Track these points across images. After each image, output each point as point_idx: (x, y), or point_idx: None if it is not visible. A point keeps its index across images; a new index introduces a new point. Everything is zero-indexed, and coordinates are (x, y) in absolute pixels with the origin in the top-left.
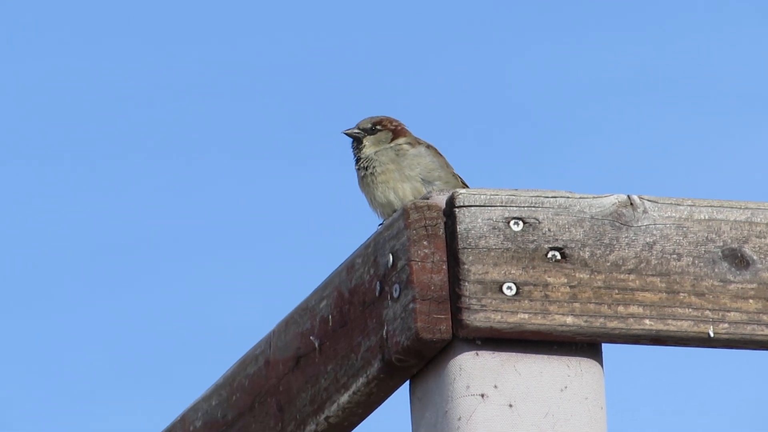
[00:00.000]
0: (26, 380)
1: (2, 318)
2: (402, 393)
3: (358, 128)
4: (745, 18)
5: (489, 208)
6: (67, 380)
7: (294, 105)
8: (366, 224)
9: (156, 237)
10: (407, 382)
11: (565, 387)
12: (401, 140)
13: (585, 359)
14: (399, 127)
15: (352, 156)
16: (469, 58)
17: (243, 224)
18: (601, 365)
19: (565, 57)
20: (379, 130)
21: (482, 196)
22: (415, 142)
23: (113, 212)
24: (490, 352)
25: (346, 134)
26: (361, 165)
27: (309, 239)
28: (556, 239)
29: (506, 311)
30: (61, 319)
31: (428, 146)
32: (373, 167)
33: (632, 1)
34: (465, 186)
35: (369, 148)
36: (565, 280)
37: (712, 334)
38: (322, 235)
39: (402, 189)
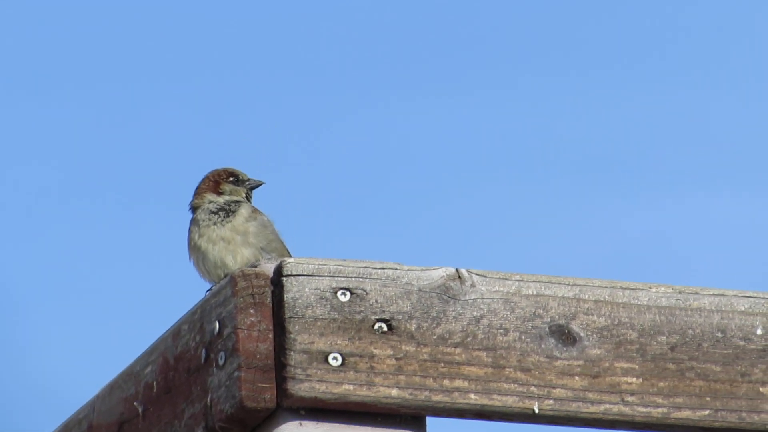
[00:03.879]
0: None
1: None
2: None
3: (213, 182)
4: (581, 89)
5: (317, 277)
6: None
7: (131, 163)
8: (195, 289)
9: None
10: None
11: None
12: (247, 202)
13: None
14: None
15: (194, 205)
16: (298, 118)
17: (80, 277)
18: None
19: (394, 123)
20: (229, 183)
21: (310, 266)
22: (257, 210)
23: None
24: (314, 423)
25: (256, 183)
26: (210, 215)
27: (141, 300)
28: (383, 311)
29: (331, 382)
30: None
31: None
32: (225, 219)
33: (461, 68)
34: (289, 254)
35: (249, 201)
36: (391, 352)
37: (537, 411)
38: (154, 298)
39: (242, 254)
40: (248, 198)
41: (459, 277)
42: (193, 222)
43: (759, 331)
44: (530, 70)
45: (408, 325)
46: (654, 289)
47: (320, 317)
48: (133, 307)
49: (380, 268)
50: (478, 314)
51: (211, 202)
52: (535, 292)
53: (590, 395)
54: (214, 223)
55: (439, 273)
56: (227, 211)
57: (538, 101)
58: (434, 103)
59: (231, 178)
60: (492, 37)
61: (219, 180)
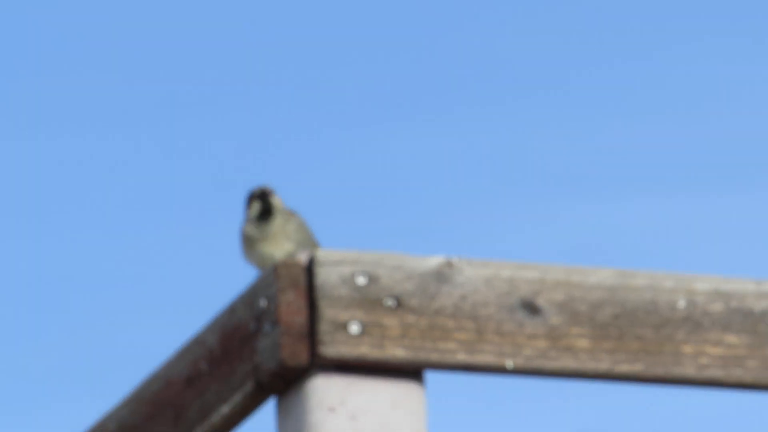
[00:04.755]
0: None
1: None
2: (270, 406)
3: (257, 195)
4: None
5: (341, 265)
6: None
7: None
8: (238, 278)
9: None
10: (275, 399)
11: (396, 404)
12: (286, 208)
13: (412, 383)
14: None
15: (251, 208)
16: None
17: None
18: (423, 387)
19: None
20: (271, 200)
21: (335, 256)
22: (291, 212)
23: None
24: (339, 376)
25: (266, 190)
26: (257, 220)
27: (201, 287)
28: (392, 290)
29: (352, 345)
30: None
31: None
32: (270, 225)
33: (453, 90)
34: (319, 246)
35: (276, 203)
36: (398, 322)
37: (511, 365)
38: (213, 286)
39: (284, 247)
40: (267, 204)
41: (450, 264)
42: (244, 228)
43: (682, 304)
44: (507, 94)
45: (411, 302)
46: (600, 272)
47: (343, 296)
48: (198, 288)
49: (390, 257)
50: (465, 292)
51: (273, 201)
52: (509, 275)
53: (551, 353)
54: (256, 228)
55: (435, 260)
56: (261, 221)
57: (518, 121)
58: (428, 127)
59: (253, 196)
60: (487, 59)
61: (249, 199)
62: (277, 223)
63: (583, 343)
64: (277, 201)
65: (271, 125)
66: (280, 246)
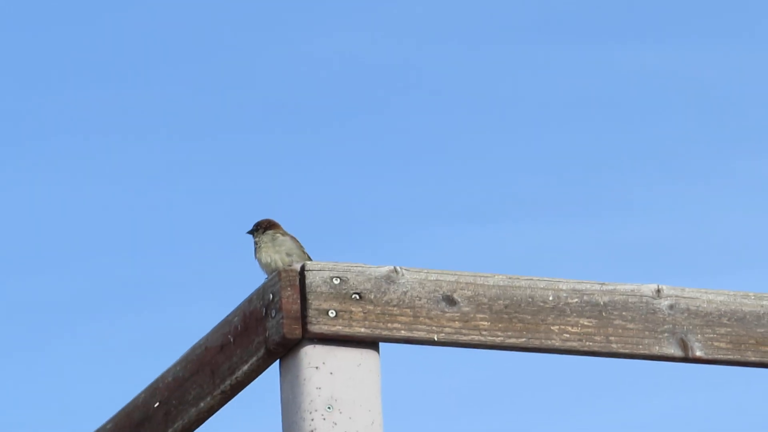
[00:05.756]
0: None
1: None
2: (275, 366)
3: (255, 227)
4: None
5: (322, 271)
6: None
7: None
8: (255, 281)
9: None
10: (278, 360)
11: (360, 364)
12: (275, 231)
13: (370, 350)
14: (274, 224)
15: (252, 239)
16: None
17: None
18: (378, 353)
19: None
20: (264, 227)
21: (319, 265)
22: (284, 233)
23: None
24: (322, 345)
25: (249, 232)
26: (256, 242)
27: (230, 290)
28: (357, 288)
29: (330, 324)
30: None
31: (292, 237)
32: (261, 243)
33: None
34: (310, 259)
35: (259, 235)
36: (361, 309)
37: (436, 339)
38: (238, 286)
39: (274, 257)
40: (254, 234)
41: (396, 271)
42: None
43: (550, 298)
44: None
45: (369, 296)
46: (497, 277)
47: (324, 292)
48: (227, 291)
49: (355, 266)
50: (405, 290)
51: (258, 234)
52: (434, 278)
53: (464, 331)
54: (258, 243)
55: (386, 269)
56: (258, 241)
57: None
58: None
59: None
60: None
61: (256, 228)
62: (267, 241)
63: (485, 324)
64: (265, 232)
65: (285, 176)
66: (271, 255)
